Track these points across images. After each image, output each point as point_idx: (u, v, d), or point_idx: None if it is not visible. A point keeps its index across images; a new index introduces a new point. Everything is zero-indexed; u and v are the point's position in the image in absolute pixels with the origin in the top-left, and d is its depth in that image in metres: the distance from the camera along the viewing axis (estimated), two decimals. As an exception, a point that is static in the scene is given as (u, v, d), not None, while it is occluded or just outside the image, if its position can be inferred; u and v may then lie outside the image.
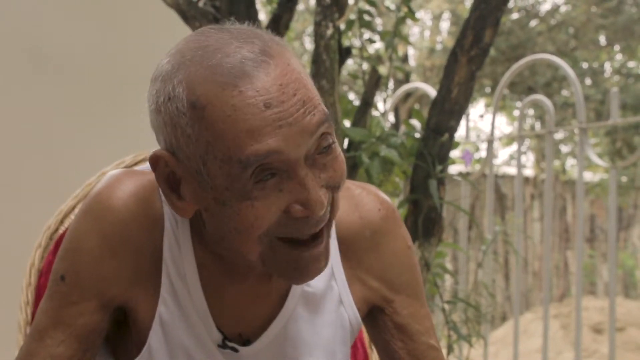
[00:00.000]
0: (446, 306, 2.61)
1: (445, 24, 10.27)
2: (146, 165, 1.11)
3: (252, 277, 1.10)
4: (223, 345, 1.09)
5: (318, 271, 1.03)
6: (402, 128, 2.63)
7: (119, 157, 1.51)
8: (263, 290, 1.11)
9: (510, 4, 9.00)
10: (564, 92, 9.68)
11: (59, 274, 1.08)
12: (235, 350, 1.10)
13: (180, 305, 1.08)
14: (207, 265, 1.09)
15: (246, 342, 1.11)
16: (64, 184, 1.95)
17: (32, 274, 1.50)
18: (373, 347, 1.55)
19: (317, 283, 1.13)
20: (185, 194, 1.00)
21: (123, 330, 1.12)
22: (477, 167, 3.80)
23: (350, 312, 1.15)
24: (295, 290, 1.12)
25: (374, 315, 1.19)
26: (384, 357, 1.20)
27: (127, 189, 1.07)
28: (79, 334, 1.06)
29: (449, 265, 6.63)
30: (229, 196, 0.96)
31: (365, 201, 1.17)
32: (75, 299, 1.06)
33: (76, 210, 1.49)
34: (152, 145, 1.04)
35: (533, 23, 9.53)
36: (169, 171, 1.01)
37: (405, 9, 2.67)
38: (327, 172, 0.99)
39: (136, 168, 1.15)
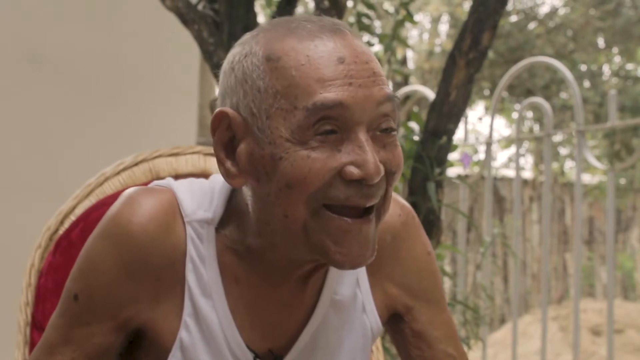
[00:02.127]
0: (444, 308, 2.61)
1: (443, 27, 10.27)
2: (163, 182, 1.10)
3: (289, 281, 1.07)
4: None
5: (362, 258, 0.99)
6: (401, 130, 2.64)
7: (119, 157, 1.52)
8: (297, 299, 1.09)
9: (509, 7, 9.01)
10: (563, 95, 9.69)
11: (72, 292, 1.06)
12: None
13: (204, 329, 1.06)
14: (236, 277, 1.06)
15: (277, 358, 1.09)
16: (64, 185, 1.96)
17: (32, 275, 1.50)
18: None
19: (344, 291, 1.12)
20: (240, 158, 0.99)
21: (136, 350, 1.10)
22: (476, 169, 3.80)
23: (372, 320, 1.15)
24: (325, 298, 1.11)
25: (395, 321, 1.18)
26: None
27: (146, 213, 1.04)
28: (89, 353, 1.06)
29: (447, 268, 6.62)
30: (287, 147, 0.96)
31: None
32: (87, 320, 1.05)
33: (76, 211, 1.49)
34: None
35: (531, 26, 9.53)
36: (229, 135, 1.01)
37: (403, 12, 2.68)
38: (386, 153, 0.99)
39: (151, 185, 1.11)
